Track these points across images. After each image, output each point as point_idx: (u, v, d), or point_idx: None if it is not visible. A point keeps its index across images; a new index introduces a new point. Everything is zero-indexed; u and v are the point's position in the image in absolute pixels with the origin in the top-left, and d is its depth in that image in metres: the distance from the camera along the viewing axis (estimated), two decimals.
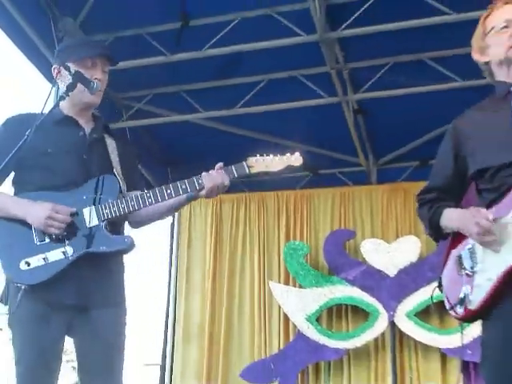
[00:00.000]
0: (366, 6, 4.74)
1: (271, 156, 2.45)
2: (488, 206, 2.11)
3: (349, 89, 5.61)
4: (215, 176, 2.38)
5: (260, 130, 5.86)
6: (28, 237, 2.37)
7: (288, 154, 2.47)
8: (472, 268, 2.09)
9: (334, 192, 6.66)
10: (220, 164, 2.41)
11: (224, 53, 5.09)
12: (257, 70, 5.51)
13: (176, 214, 6.88)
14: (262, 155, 2.44)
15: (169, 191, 2.40)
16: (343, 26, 4.86)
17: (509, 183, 2.05)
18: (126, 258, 2.58)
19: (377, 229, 6.36)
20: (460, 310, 2.11)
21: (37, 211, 2.33)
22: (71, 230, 2.37)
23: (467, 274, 2.10)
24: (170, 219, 7.05)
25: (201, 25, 5.07)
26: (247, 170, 2.42)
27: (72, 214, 2.37)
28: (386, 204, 6.41)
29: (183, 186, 2.39)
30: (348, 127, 5.98)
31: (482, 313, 2.06)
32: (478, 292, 2.05)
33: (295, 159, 2.47)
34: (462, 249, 2.17)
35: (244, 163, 2.43)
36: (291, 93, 5.58)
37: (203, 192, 2.40)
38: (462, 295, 2.10)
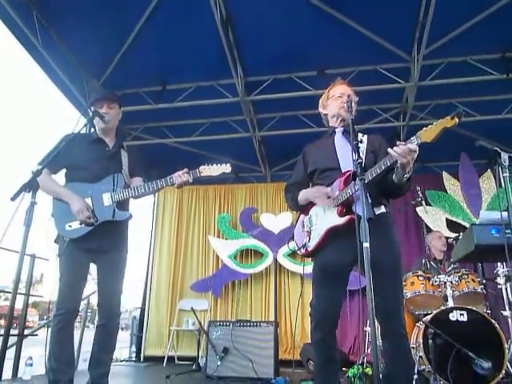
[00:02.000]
0: (265, 84, 4.88)
1: (214, 165, 2.47)
2: None
3: (256, 129, 5.70)
4: (182, 176, 2.39)
5: (206, 150, 5.87)
6: (71, 211, 2.36)
7: (224, 165, 2.48)
8: (310, 228, 2.21)
9: (246, 186, 6.70)
10: (186, 169, 2.42)
11: (185, 105, 5.05)
12: (204, 115, 5.49)
13: (156, 196, 6.80)
14: (208, 165, 2.47)
15: (152, 185, 2.44)
16: (254, 93, 4.95)
17: (330, 180, 2.12)
18: (131, 223, 2.57)
19: (269, 208, 6.45)
20: (303, 250, 2.21)
21: (73, 205, 2.34)
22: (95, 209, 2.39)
23: (307, 231, 2.22)
24: (152, 199, 6.90)
25: (173, 88, 5.04)
26: (198, 174, 2.43)
27: (91, 210, 2.36)
28: (274, 194, 6.52)
29: (161, 182, 2.43)
30: (255, 150, 6.09)
31: (313, 253, 2.16)
32: (313, 241, 2.14)
33: (227, 168, 2.48)
34: (305, 217, 2.28)
35: (197, 170, 2.44)
36: (224, 130, 5.60)
37: (176, 185, 2.40)
38: (304, 243, 2.20)
